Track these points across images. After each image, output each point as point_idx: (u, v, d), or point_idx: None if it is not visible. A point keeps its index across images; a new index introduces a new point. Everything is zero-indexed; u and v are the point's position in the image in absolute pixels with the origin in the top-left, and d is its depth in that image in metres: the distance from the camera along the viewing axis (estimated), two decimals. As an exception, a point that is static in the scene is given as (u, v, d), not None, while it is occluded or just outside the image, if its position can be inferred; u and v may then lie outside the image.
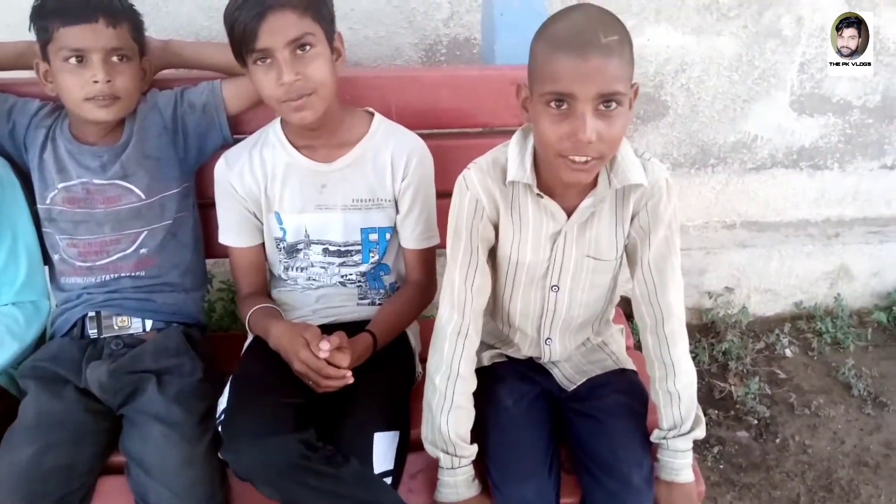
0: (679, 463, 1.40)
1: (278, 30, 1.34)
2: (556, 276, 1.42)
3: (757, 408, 2.31)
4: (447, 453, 1.38)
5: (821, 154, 2.62)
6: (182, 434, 1.39)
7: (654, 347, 1.40)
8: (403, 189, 1.55)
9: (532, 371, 1.56)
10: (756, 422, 2.29)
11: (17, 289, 1.58)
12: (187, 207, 1.66)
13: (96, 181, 1.56)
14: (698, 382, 2.36)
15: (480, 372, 1.48)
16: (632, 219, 1.37)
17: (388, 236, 1.60)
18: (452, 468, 1.39)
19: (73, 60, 1.44)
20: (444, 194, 1.47)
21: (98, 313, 1.59)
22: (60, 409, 1.43)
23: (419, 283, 1.63)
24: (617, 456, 1.38)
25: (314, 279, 1.61)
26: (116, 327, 1.59)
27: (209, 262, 1.78)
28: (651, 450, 1.43)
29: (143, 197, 1.58)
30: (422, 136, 1.59)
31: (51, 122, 1.57)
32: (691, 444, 1.41)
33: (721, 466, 2.15)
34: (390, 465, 1.38)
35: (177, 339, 1.58)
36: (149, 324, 1.61)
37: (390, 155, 1.54)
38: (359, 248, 1.58)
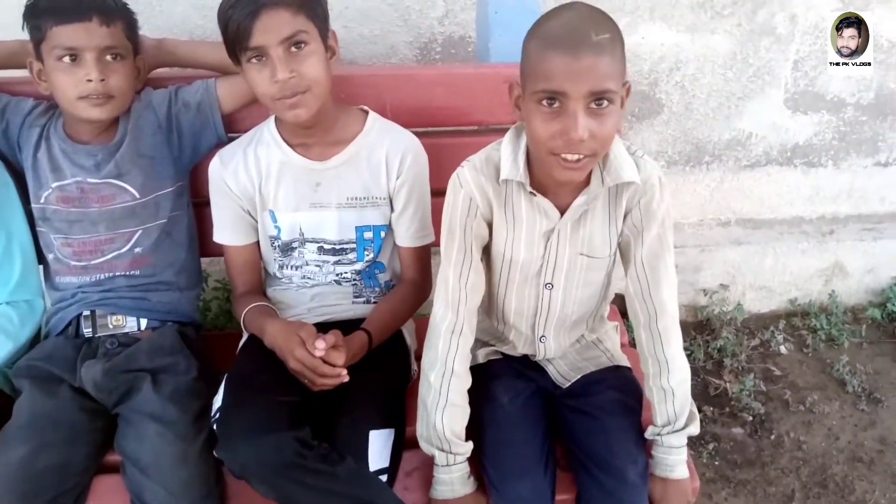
0: (673, 459, 1.40)
1: (272, 28, 1.34)
2: (550, 273, 1.42)
3: (752, 404, 2.32)
4: (442, 451, 1.38)
5: (815, 151, 2.63)
6: (177, 433, 1.39)
7: (647, 344, 1.41)
8: (398, 187, 1.55)
9: (527, 368, 1.56)
10: (751, 418, 2.30)
11: (11, 288, 1.58)
12: (182, 206, 1.66)
13: (90, 180, 1.55)
14: (693, 379, 2.39)
15: (476, 369, 1.49)
16: (625, 216, 1.37)
17: (382, 234, 1.60)
18: (448, 465, 1.39)
19: (66, 59, 1.44)
20: (438, 192, 1.47)
21: (93, 312, 1.58)
22: (55, 408, 1.43)
23: (414, 282, 1.63)
24: (612, 452, 1.39)
25: (309, 277, 1.61)
26: (111, 326, 1.59)
27: (204, 260, 1.78)
28: (646, 446, 1.43)
29: (138, 196, 1.58)
30: (417, 134, 1.59)
31: (45, 121, 1.57)
32: (686, 441, 1.42)
33: (716, 463, 2.16)
34: (386, 463, 1.38)
35: (171, 337, 1.58)
36: (143, 323, 1.61)
37: (385, 153, 1.54)
38: (354, 246, 1.58)
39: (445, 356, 1.38)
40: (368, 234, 1.58)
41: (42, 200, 1.57)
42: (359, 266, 1.61)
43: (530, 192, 1.33)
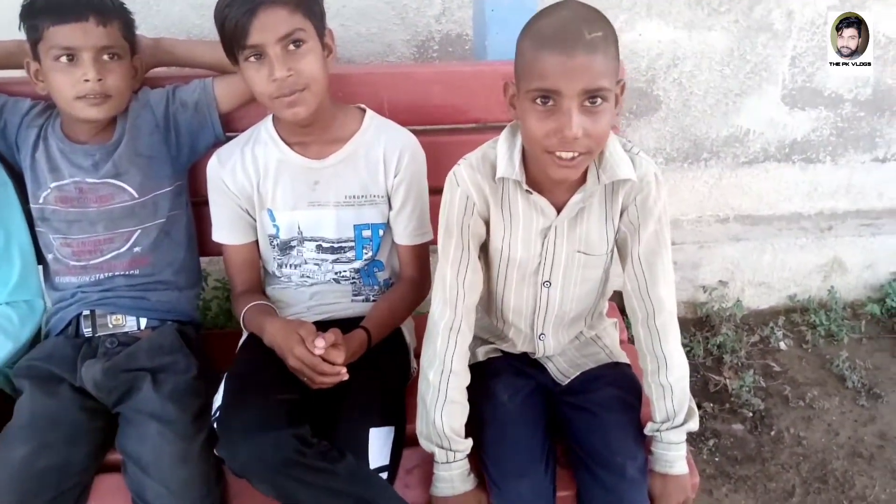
0: (673, 455, 1.41)
1: (270, 26, 1.34)
2: (548, 271, 1.42)
3: (752, 400, 2.32)
4: (442, 448, 1.39)
5: (813, 147, 2.63)
6: (177, 431, 1.39)
7: (645, 340, 1.41)
8: (396, 185, 1.55)
9: (527, 366, 1.57)
10: (751, 414, 2.30)
11: (10, 289, 1.58)
12: (180, 206, 1.66)
13: (89, 180, 1.55)
14: (693, 376, 2.39)
15: (476, 367, 1.49)
16: (621, 214, 1.37)
17: (381, 233, 1.60)
18: (447, 462, 1.39)
19: (63, 59, 1.44)
20: (436, 190, 1.47)
21: (92, 312, 1.59)
22: (55, 408, 1.43)
23: (413, 279, 1.63)
24: (611, 448, 1.39)
25: (308, 276, 1.62)
26: (111, 326, 1.59)
27: (204, 260, 1.78)
28: (645, 442, 1.43)
29: (136, 195, 1.58)
30: (414, 132, 1.59)
31: (42, 122, 1.57)
32: (685, 437, 1.42)
33: (716, 459, 2.16)
34: (386, 461, 1.38)
35: (171, 336, 1.58)
36: (143, 322, 1.61)
37: (382, 151, 1.54)
38: (352, 244, 1.59)
39: (444, 354, 1.38)
40: (367, 233, 1.59)
41: (41, 201, 1.57)
42: (357, 264, 1.61)
43: (526, 190, 1.33)
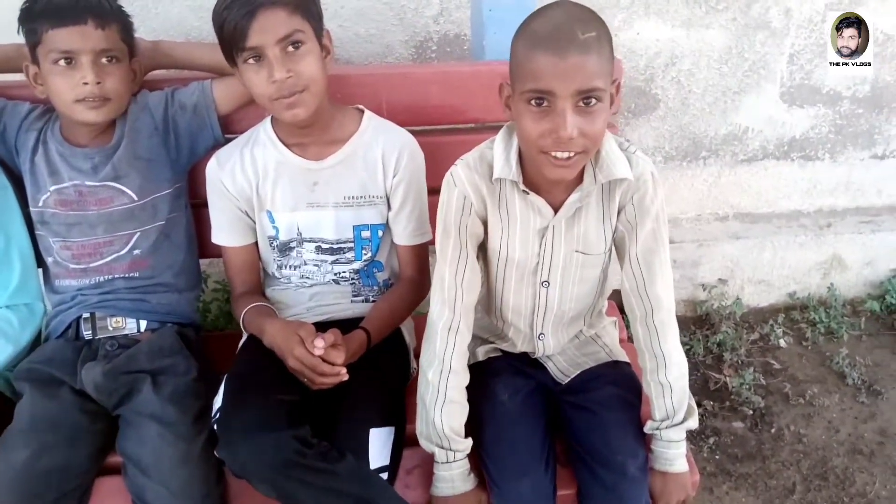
0: (672, 453, 1.41)
1: (268, 28, 1.34)
2: (546, 271, 1.42)
3: (752, 398, 2.33)
4: (442, 448, 1.39)
5: (812, 145, 2.63)
6: (177, 433, 1.39)
7: (644, 339, 1.41)
8: (395, 185, 1.55)
9: (527, 365, 1.57)
10: (751, 412, 2.30)
11: (10, 292, 1.58)
12: (180, 208, 1.66)
13: (88, 183, 1.56)
14: (693, 374, 2.39)
15: (475, 367, 1.49)
16: (618, 213, 1.37)
17: (380, 233, 1.60)
18: (448, 462, 1.39)
19: (62, 62, 1.44)
20: (435, 191, 1.47)
21: (92, 314, 1.59)
22: (56, 410, 1.44)
23: (412, 280, 1.63)
24: (611, 447, 1.39)
25: (307, 277, 1.62)
26: (111, 328, 1.59)
27: (204, 262, 1.78)
28: (645, 440, 1.44)
29: (136, 198, 1.58)
30: (412, 132, 1.59)
31: (42, 125, 1.58)
32: (684, 435, 1.42)
33: (717, 457, 2.16)
34: (386, 461, 1.39)
35: (171, 339, 1.58)
36: (143, 324, 1.61)
37: (381, 151, 1.54)
38: (351, 245, 1.59)
39: (443, 354, 1.38)
40: (366, 233, 1.59)
41: (40, 204, 1.57)
42: (357, 265, 1.61)
43: (523, 191, 1.33)
